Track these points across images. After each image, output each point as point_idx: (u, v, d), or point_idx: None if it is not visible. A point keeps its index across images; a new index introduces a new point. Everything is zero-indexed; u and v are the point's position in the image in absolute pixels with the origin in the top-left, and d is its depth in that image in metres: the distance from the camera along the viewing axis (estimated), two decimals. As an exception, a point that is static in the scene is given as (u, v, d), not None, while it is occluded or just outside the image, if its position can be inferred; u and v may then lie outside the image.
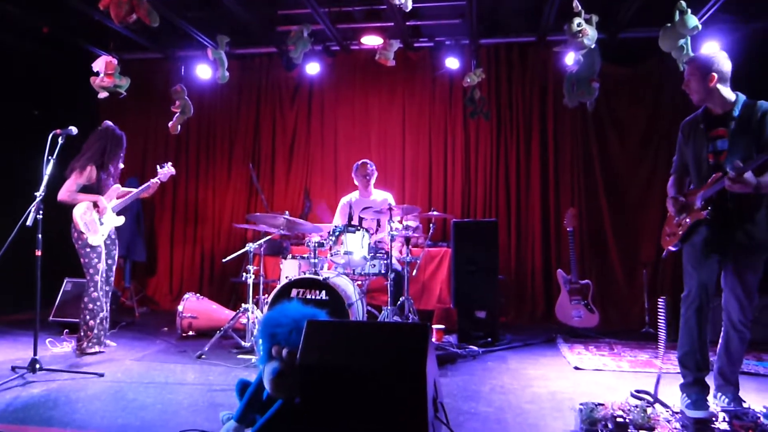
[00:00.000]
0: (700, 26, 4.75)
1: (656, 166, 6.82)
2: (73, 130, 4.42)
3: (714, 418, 3.16)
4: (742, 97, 3.40)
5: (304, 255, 5.30)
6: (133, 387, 3.94)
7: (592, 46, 5.06)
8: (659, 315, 3.53)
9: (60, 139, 4.31)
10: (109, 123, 5.09)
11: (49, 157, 4.23)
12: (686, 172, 3.65)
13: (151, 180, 5.18)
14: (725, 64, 3.39)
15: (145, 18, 4.67)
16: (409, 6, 4.58)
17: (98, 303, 4.84)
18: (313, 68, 7.07)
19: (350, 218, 5.34)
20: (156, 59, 7.68)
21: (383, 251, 5.31)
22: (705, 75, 3.36)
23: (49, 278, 5.97)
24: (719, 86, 3.37)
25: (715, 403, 3.43)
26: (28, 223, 4.01)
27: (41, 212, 4.10)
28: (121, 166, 5.30)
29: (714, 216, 3.34)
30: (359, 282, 5.41)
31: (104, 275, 4.92)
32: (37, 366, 4.07)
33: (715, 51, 3.47)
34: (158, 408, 3.50)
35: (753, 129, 3.29)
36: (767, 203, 3.32)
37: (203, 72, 6.84)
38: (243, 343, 5.03)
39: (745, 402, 3.40)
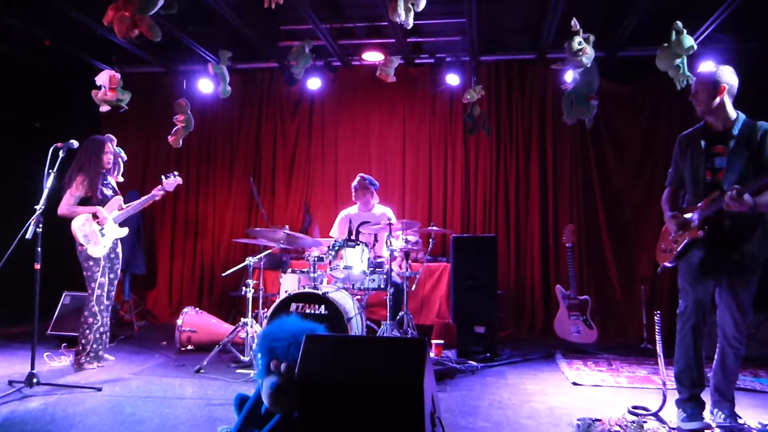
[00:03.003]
0: (695, 46, 4.82)
1: (654, 182, 6.85)
2: (74, 143, 4.46)
3: (708, 428, 3.18)
4: (742, 115, 3.43)
5: (303, 269, 5.31)
6: (132, 401, 3.93)
7: (589, 65, 5.11)
8: (656, 330, 3.54)
9: (61, 152, 4.34)
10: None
11: (50, 171, 4.25)
12: (681, 185, 3.67)
13: (156, 189, 5.17)
14: (734, 78, 3.43)
15: (147, 33, 4.71)
16: (411, 23, 4.62)
17: (97, 317, 4.83)
18: (314, 83, 7.13)
19: (350, 233, 5.36)
20: (158, 73, 7.75)
21: (382, 266, 5.33)
22: (715, 87, 3.37)
23: (48, 292, 5.97)
24: (726, 100, 3.40)
25: (712, 419, 3.44)
26: (28, 236, 4.02)
27: (41, 225, 4.11)
28: (121, 179, 5.32)
29: (710, 235, 3.35)
30: (358, 296, 5.41)
31: (105, 289, 4.92)
32: (35, 380, 4.06)
33: (725, 66, 3.47)
34: (156, 422, 3.50)
35: (752, 149, 3.31)
36: (762, 222, 3.34)
37: (205, 86, 6.89)
38: (242, 357, 5.02)
39: (740, 418, 3.40)
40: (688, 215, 3.50)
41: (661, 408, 3.55)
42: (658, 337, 3.53)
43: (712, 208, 3.32)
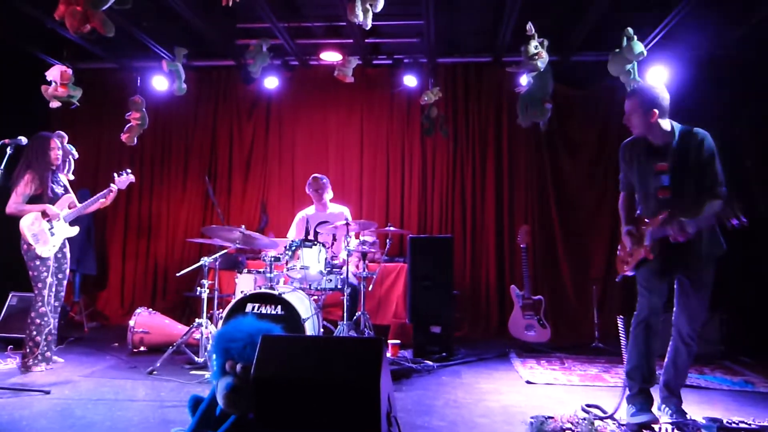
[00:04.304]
0: (645, 52, 4.97)
1: (606, 184, 7.02)
2: (23, 140, 4.33)
3: (656, 422, 3.28)
4: (677, 125, 3.53)
5: (259, 269, 5.27)
6: (81, 404, 3.84)
7: (543, 69, 5.22)
8: (620, 334, 3.62)
9: (8, 149, 4.21)
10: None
11: (-3, 168, 4.12)
12: (634, 189, 3.77)
13: (109, 187, 5.04)
14: (665, 98, 3.51)
15: (99, 28, 4.61)
16: (369, 24, 4.64)
17: (45, 318, 4.70)
18: (271, 82, 7.08)
19: (307, 233, 5.34)
20: (111, 69, 7.57)
21: (339, 266, 5.33)
22: (647, 111, 3.47)
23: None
24: (659, 121, 3.49)
25: (660, 414, 3.53)
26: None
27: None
28: (72, 177, 5.19)
29: (662, 253, 3.43)
30: (315, 297, 5.40)
31: (53, 290, 4.79)
32: (-22, 383, 3.94)
33: (655, 85, 3.58)
34: (107, 425, 3.43)
35: (691, 159, 3.42)
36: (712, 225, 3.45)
37: (160, 83, 6.77)
38: (196, 358, 4.95)
39: (687, 413, 3.51)
40: (641, 228, 3.57)
41: (616, 410, 3.62)
42: (623, 341, 3.61)
43: (661, 232, 3.39)
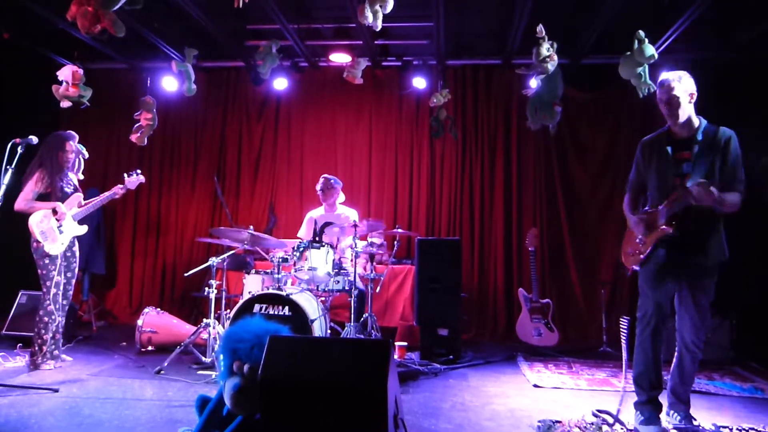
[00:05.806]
0: (656, 55, 4.94)
1: (615, 188, 6.99)
2: (33, 139, 4.35)
3: (664, 432, 3.26)
4: (704, 121, 3.51)
5: (267, 270, 5.28)
6: (89, 403, 3.86)
7: (553, 72, 5.20)
8: (622, 335, 3.59)
9: (19, 148, 4.23)
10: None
11: (8, 167, 4.14)
12: (642, 190, 3.72)
13: (117, 187, 5.07)
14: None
15: (110, 28, 4.63)
16: (379, 26, 4.63)
17: (53, 316, 4.72)
18: (280, 83, 7.08)
19: (315, 234, 5.34)
20: (120, 70, 7.61)
21: (346, 267, 5.33)
22: (691, 94, 3.46)
23: (4, 291, 5.79)
24: (691, 110, 3.48)
25: (668, 420, 3.52)
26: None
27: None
28: (81, 176, 5.22)
29: (676, 233, 3.39)
30: (323, 298, 5.40)
31: (62, 288, 4.81)
32: (-12, 381, 3.96)
33: (684, 72, 3.53)
34: (115, 424, 3.44)
35: (715, 153, 3.38)
36: (719, 228, 3.43)
37: (169, 84, 6.78)
38: (203, 358, 4.96)
39: (695, 420, 3.49)
40: (653, 215, 3.53)
41: (618, 412, 3.61)
42: (624, 343, 3.58)
43: (679, 205, 3.35)
